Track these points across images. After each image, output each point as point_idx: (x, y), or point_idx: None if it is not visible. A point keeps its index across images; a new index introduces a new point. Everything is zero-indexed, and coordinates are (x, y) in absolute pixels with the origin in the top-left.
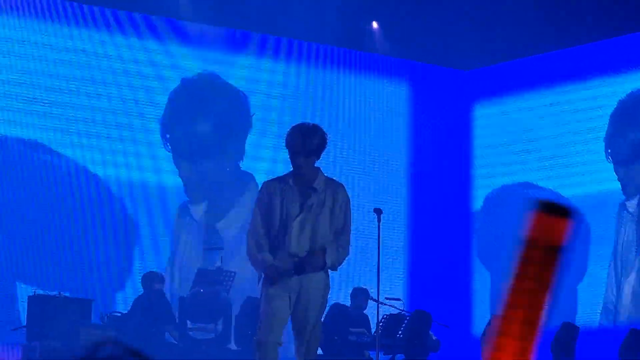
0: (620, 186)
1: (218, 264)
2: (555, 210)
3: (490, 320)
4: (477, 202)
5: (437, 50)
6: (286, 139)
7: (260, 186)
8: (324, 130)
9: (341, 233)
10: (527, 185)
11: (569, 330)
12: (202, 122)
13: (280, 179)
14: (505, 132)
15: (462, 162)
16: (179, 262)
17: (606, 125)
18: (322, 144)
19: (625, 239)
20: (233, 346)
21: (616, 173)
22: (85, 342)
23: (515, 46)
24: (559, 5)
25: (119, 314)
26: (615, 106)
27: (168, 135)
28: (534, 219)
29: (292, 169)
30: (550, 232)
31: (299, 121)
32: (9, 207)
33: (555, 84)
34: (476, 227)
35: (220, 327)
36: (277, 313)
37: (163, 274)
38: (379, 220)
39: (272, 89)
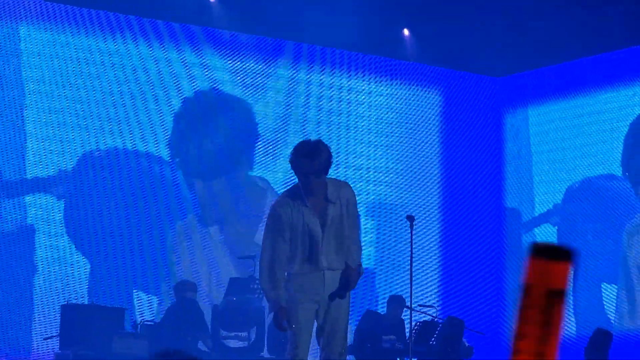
0: None
1: (250, 272)
2: (552, 253)
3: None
4: (509, 207)
5: (469, 57)
6: (292, 161)
7: (274, 205)
8: (329, 144)
9: (357, 235)
10: (611, 177)
11: (603, 335)
12: (210, 139)
13: (292, 196)
14: (537, 138)
15: (495, 169)
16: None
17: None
18: (329, 159)
19: None
20: (266, 354)
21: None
22: (118, 350)
23: (547, 53)
24: (591, 12)
25: (152, 323)
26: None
27: (177, 159)
28: (530, 264)
29: (299, 184)
30: (549, 277)
31: (331, 131)
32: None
33: (588, 90)
34: (557, 221)
35: (253, 335)
36: (305, 330)
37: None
38: (411, 227)
39: (304, 98)
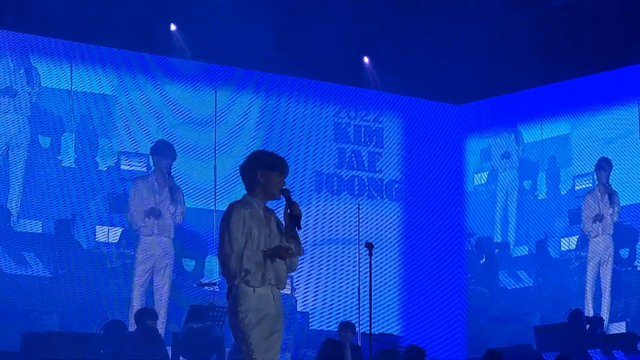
0: None
1: (211, 299)
2: None
3: (485, 354)
4: (470, 234)
5: (429, 84)
6: (272, 162)
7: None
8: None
9: None
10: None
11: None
12: None
13: (248, 205)
14: (497, 164)
15: (455, 195)
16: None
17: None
18: None
19: None
20: None
21: None
22: None
23: (506, 81)
24: (548, 41)
25: (113, 350)
26: None
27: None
28: None
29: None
30: None
31: (292, 156)
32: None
33: (545, 117)
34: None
35: None
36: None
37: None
38: (370, 255)
39: (261, 125)
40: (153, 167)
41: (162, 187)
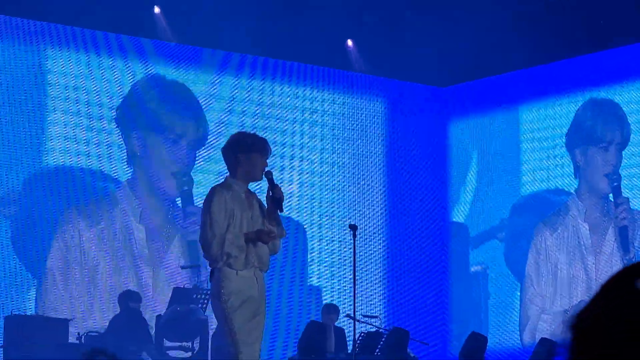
0: None
1: (195, 282)
2: None
3: (469, 337)
4: (455, 216)
5: (413, 67)
6: (254, 143)
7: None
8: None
9: None
10: (558, 191)
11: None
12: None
13: (229, 188)
14: (481, 147)
15: (439, 178)
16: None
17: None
18: None
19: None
20: None
21: None
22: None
23: (491, 63)
24: (533, 22)
25: (96, 334)
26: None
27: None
28: None
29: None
30: None
31: (281, 140)
32: None
33: (536, 100)
34: (504, 236)
35: (197, 345)
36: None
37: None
38: (354, 237)
39: (249, 107)
40: None
41: None
